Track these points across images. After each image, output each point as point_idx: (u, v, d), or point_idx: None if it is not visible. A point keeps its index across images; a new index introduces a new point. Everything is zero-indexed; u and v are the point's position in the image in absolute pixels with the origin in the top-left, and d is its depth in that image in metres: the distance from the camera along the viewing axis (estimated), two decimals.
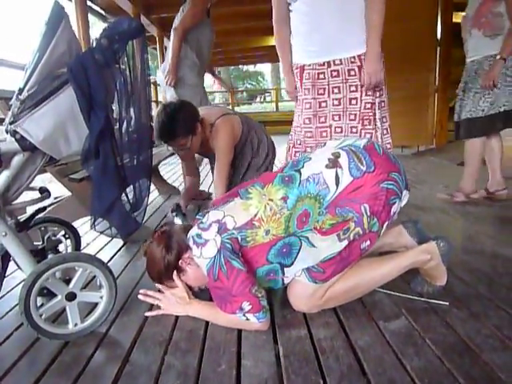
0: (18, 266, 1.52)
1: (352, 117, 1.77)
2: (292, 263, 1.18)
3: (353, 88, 1.74)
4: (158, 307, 1.30)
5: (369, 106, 1.74)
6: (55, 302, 1.16)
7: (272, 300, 1.35)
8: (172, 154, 3.24)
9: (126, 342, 1.16)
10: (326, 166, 1.16)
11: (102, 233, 1.39)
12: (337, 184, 1.14)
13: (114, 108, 1.28)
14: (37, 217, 1.48)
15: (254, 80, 27.63)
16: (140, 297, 1.33)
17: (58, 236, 1.59)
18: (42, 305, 1.16)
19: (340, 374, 0.96)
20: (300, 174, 1.20)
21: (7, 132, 1.11)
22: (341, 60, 1.73)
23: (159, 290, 1.32)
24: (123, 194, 1.37)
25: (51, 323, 1.17)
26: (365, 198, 1.12)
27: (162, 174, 3.74)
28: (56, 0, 1.12)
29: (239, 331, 1.18)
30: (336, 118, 1.79)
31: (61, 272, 1.21)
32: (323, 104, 1.80)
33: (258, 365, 1.02)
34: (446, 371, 0.95)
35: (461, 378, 0.92)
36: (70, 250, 1.62)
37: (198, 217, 1.30)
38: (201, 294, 1.31)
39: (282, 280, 1.23)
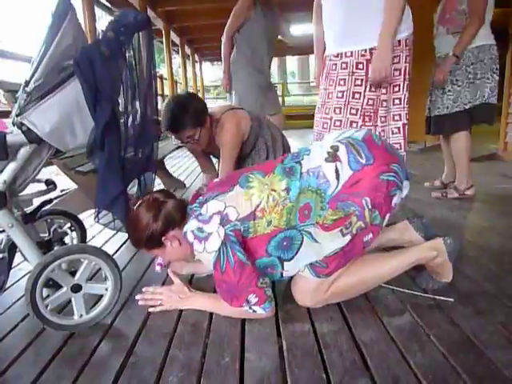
0: (24, 257, 1.54)
1: (353, 111, 1.75)
2: (292, 257, 1.16)
3: (358, 82, 1.72)
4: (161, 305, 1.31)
5: (371, 102, 1.72)
6: (61, 293, 1.17)
7: (276, 294, 1.36)
8: (178, 148, 3.23)
9: (131, 333, 1.17)
10: (326, 160, 1.15)
11: (105, 226, 1.39)
12: (337, 178, 1.12)
13: (119, 101, 1.28)
14: (43, 209, 1.50)
15: None
16: (140, 303, 1.31)
17: (63, 228, 1.60)
18: (47, 296, 1.17)
19: (343, 369, 0.96)
20: (300, 165, 1.18)
21: (14, 124, 1.11)
22: (351, 52, 1.72)
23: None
24: (127, 187, 1.36)
25: (57, 314, 1.18)
26: (365, 191, 1.11)
27: (167, 167, 3.74)
28: None
29: (243, 325, 1.18)
30: (337, 110, 1.78)
31: (66, 264, 1.22)
32: (330, 95, 1.80)
33: (261, 358, 1.02)
34: (450, 368, 0.95)
35: (465, 375, 0.91)
36: (75, 242, 1.63)
37: (195, 207, 1.24)
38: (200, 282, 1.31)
39: (281, 274, 1.22)
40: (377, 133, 1.74)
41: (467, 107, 2.43)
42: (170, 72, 7.37)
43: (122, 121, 1.26)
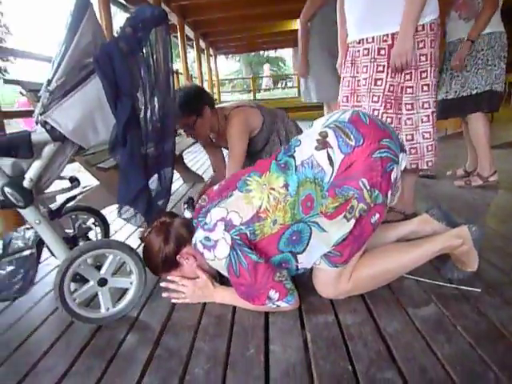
0: (51, 252, 1.59)
1: (375, 98, 1.71)
2: (304, 250, 1.16)
3: (380, 68, 1.68)
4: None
5: (392, 88, 1.68)
6: (88, 287, 1.20)
7: (297, 286, 1.36)
8: (195, 143, 3.25)
9: (156, 326, 1.19)
10: (316, 148, 1.12)
11: (127, 221, 1.42)
12: (331, 165, 1.10)
13: (138, 97, 1.29)
14: (67, 205, 1.53)
15: (274, 65, 27.28)
16: (164, 295, 1.33)
17: (87, 224, 1.63)
18: (75, 290, 1.20)
19: (369, 360, 0.95)
20: (294, 158, 1.17)
21: (37, 123, 1.13)
22: (373, 38, 1.68)
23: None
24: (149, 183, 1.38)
25: (84, 307, 1.21)
26: (360, 173, 1.08)
27: (185, 161, 3.77)
28: None
29: (266, 317, 1.19)
30: (363, 98, 1.75)
31: (92, 258, 1.25)
32: (359, 83, 1.78)
33: (286, 350, 1.03)
34: (478, 358, 0.93)
35: (495, 366, 0.90)
36: (99, 237, 1.67)
37: (199, 219, 1.26)
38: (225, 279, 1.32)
39: (297, 267, 1.21)
40: (402, 122, 1.71)
41: (474, 92, 2.40)
42: (185, 67, 7.38)
43: (141, 116, 1.27)
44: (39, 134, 1.11)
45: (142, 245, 1.31)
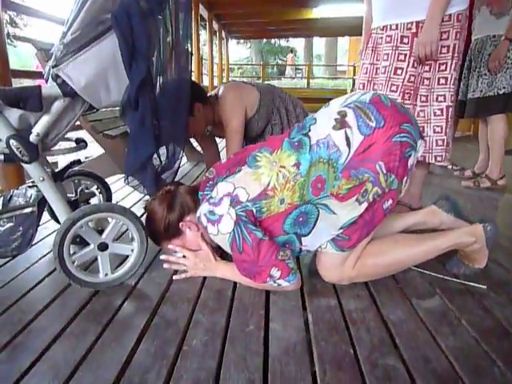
0: (51, 215, 1.56)
1: (394, 88, 1.67)
2: (309, 232, 1.13)
3: (401, 57, 1.64)
4: (185, 271, 1.30)
5: (412, 79, 1.64)
6: (88, 250, 1.17)
7: (301, 267, 1.34)
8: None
9: (155, 296, 1.17)
10: (334, 128, 1.07)
11: (135, 188, 1.39)
12: (348, 145, 1.05)
13: (154, 62, 1.24)
14: (71, 169, 1.50)
15: (285, 55, 27.01)
16: (165, 265, 1.31)
17: (90, 190, 1.61)
18: (74, 253, 1.17)
19: (371, 346, 0.93)
20: (309, 138, 1.11)
21: (48, 76, 1.10)
22: (397, 25, 1.64)
23: (184, 256, 1.30)
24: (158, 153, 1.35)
25: (83, 271, 1.19)
26: (378, 155, 1.03)
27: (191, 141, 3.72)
28: None
29: (267, 296, 1.17)
30: (380, 87, 1.71)
31: (94, 222, 1.22)
32: (377, 71, 1.74)
33: (286, 329, 1.00)
34: (483, 353, 0.91)
35: (499, 361, 0.88)
36: None
37: (206, 192, 1.23)
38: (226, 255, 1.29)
39: (300, 249, 1.20)
40: (415, 113, 1.67)
41: (501, 92, 2.34)
42: (196, 47, 7.27)
43: (156, 82, 1.23)
44: (50, 88, 1.07)
45: (146, 213, 1.29)
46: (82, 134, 1.92)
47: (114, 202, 1.87)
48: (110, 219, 1.19)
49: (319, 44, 24.29)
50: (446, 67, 1.61)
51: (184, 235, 1.27)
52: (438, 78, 1.63)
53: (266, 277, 1.11)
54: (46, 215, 1.48)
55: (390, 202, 1.10)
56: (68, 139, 1.34)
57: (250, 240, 1.08)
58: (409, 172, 1.10)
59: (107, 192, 1.67)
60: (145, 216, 1.29)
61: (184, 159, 3.35)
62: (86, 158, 2.44)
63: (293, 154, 1.12)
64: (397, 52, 1.64)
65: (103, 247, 1.18)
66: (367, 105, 1.08)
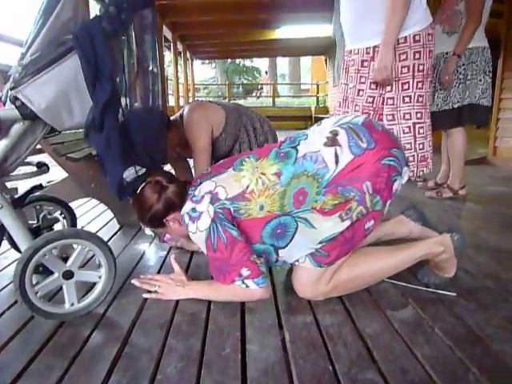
0: (11, 243, 1.47)
1: (357, 108, 1.76)
2: (287, 245, 1.15)
3: (362, 79, 1.73)
4: (157, 293, 1.26)
5: (370, 99, 1.72)
6: (52, 279, 1.11)
7: (275, 285, 1.33)
8: None
9: (125, 323, 1.12)
10: (325, 144, 1.11)
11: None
12: (336, 163, 1.08)
13: (117, 81, 1.22)
14: (32, 195, 1.43)
15: (250, 75, 27.46)
16: (136, 283, 1.29)
17: (53, 215, 1.54)
18: (37, 283, 1.11)
19: (349, 361, 0.93)
20: (296, 151, 1.15)
21: (6, 98, 1.05)
22: (358, 50, 1.72)
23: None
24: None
25: (47, 302, 1.12)
26: (366, 176, 1.07)
27: None
28: None
29: (242, 316, 1.14)
30: (337, 104, 1.85)
31: (58, 249, 1.16)
32: (350, 91, 1.81)
33: (263, 349, 0.98)
34: (458, 360, 0.92)
35: (474, 368, 0.89)
36: None
37: (190, 191, 1.24)
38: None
39: (277, 259, 1.20)
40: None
41: (455, 106, 2.45)
42: (161, 67, 7.27)
43: (122, 103, 1.21)
44: (8, 111, 1.03)
45: (136, 195, 1.27)
46: (44, 157, 1.85)
47: (79, 227, 1.80)
48: (75, 245, 1.14)
49: (283, 63, 24.89)
50: (408, 86, 1.68)
51: (167, 228, 1.29)
52: (403, 97, 1.69)
53: (236, 275, 1.12)
54: (5, 244, 1.40)
55: (372, 222, 1.13)
56: (29, 163, 1.29)
57: (224, 238, 1.10)
58: (393, 196, 1.14)
59: (71, 217, 1.61)
60: (133, 198, 1.29)
61: None
62: (49, 182, 2.33)
63: (276, 163, 1.14)
64: (358, 75, 1.73)
65: (68, 275, 1.12)
66: (359, 127, 1.13)
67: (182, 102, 9.77)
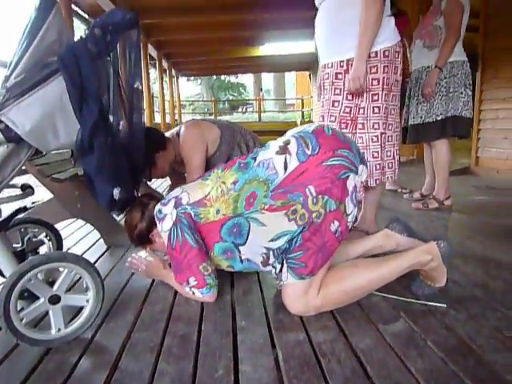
0: None
1: (332, 118, 1.80)
2: (245, 242, 1.22)
3: (337, 91, 1.77)
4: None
5: (348, 110, 1.76)
6: (37, 305, 1.08)
7: (266, 303, 1.32)
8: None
9: (114, 348, 1.09)
10: (276, 153, 1.19)
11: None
12: (285, 169, 1.16)
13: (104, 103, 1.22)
14: (16, 217, 1.40)
15: (235, 91, 27.72)
16: (126, 264, 1.51)
17: (39, 237, 1.50)
18: (22, 309, 1.08)
19: (344, 378, 0.92)
20: (254, 160, 1.24)
21: None
22: (332, 63, 1.77)
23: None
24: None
25: (32, 328, 1.09)
26: (309, 180, 1.13)
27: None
28: None
29: (234, 335, 1.13)
30: (320, 118, 1.85)
31: (44, 273, 1.14)
32: (323, 104, 1.86)
33: (257, 370, 0.97)
34: (451, 373, 0.92)
35: (467, 380, 0.89)
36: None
37: (164, 197, 1.40)
38: None
39: (241, 258, 1.26)
40: (355, 140, 1.76)
41: (439, 118, 2.51)
42: (146, 85, 7.30)
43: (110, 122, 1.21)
44: None
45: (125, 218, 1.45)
46: (28, 178, 1.82)
47: (65, 249, 1.77)
48: (61, 269, 1.11)
49: (268, 79, 25.21)
50: (378, 97, 1.74)
51: (154, 243, 1.42)
52: (373, 108, 1.74)
53: (185, 280, 1.29)
54: None
55: (337, 223, 1.14)
56: (13, 185, 1.27)
57: (180, 242, 1.24)
58: (350, 193, 1.15)
59: (57, 239, 1.58)
60: (124, 220, 1.46)
61: None
62: (33, 203, 2.30)
63: (236, 173, 1.25)
64: (333, 87, 1.77)
65: (55, 300, 1.09)
66: (308, 134, 1.19)
67: (168, 119, 9.77)
